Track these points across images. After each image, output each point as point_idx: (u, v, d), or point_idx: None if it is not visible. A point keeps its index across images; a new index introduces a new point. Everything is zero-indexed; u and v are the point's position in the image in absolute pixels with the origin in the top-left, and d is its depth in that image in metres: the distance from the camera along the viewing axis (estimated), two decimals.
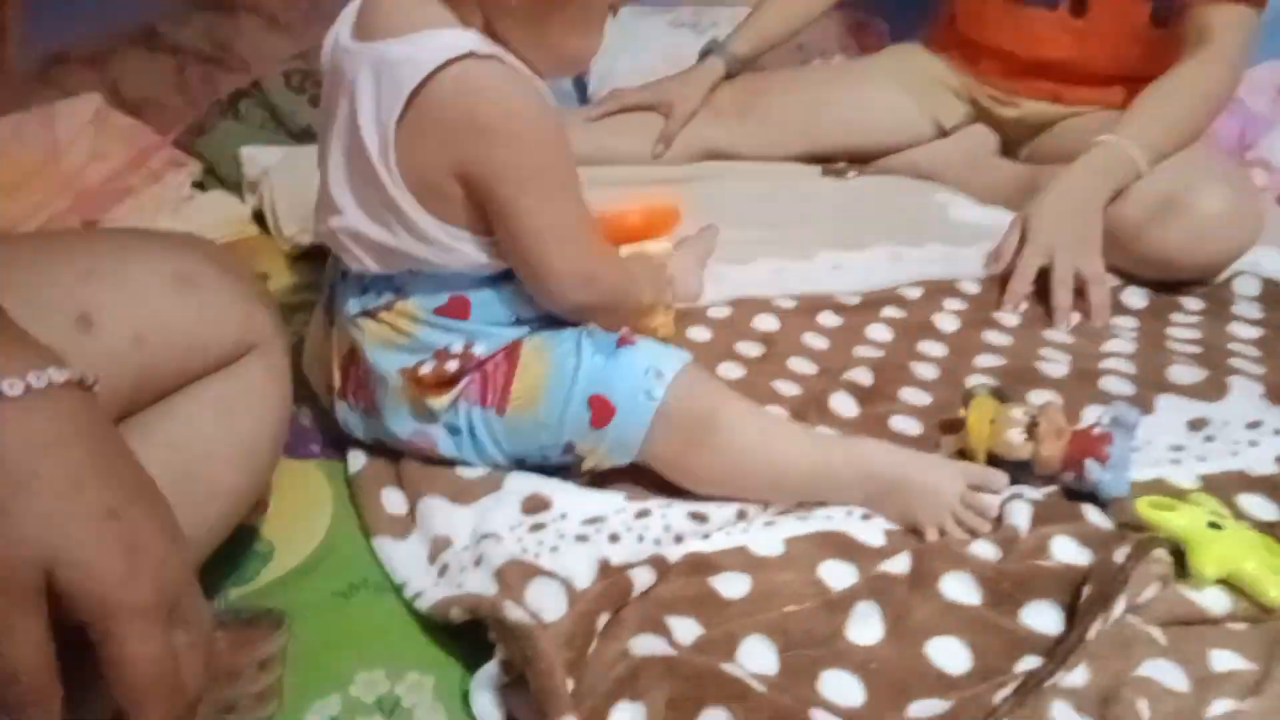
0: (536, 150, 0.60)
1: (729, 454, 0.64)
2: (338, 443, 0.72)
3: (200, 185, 1.14)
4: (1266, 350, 0.90)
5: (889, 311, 0.92)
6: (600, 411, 0.63)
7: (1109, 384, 0.80)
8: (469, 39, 0.57)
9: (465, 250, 0.61)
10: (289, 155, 1.09)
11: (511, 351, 0.65)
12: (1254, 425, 0.75)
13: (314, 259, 0.94)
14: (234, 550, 0.60)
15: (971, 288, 0.98)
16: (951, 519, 0.63)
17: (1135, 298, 0.99)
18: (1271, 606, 0.57)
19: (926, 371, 0.83)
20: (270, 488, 0.63)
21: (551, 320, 0.66)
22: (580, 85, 1.48)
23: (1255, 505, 0.66)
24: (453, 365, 0.63)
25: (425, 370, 0.63)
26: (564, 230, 0.62)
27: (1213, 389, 0.80)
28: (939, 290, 0.97)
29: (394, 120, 0.57)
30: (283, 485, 0.66)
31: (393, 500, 0.67)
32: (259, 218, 1.07)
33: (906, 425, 0.75)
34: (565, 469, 0.67)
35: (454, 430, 0.66)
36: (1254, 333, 0.94)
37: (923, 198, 1.22)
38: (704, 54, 1.29)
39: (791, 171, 1.28)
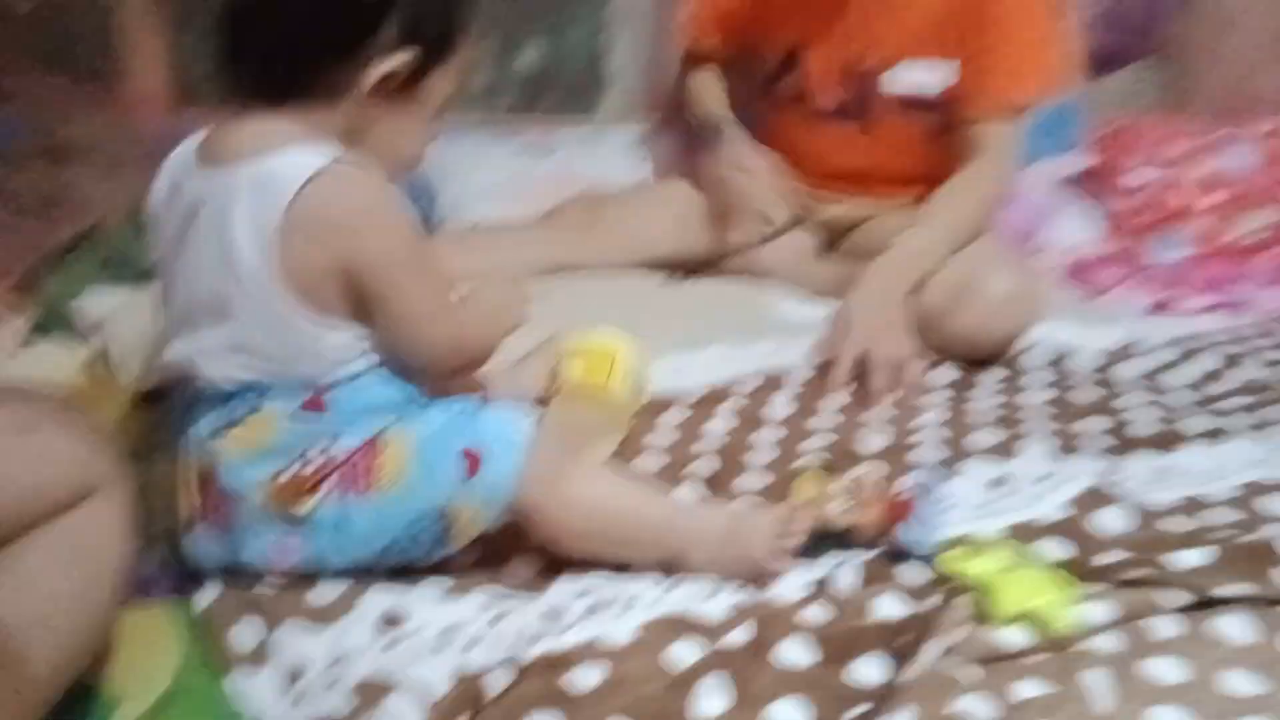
0: (402, 239, 0.68)
1: (584, 504, 0.70)
2: (186, 582, 0.71)
3: (40, 329, 1.12)
4: (1056, 412, 1.02)
5: (727, 405, 0.99)
6: (471, 462, 0.67)
7: (922, 453, 0.89)
8: (329, 150, 0.65)
9: (338, 342, 0.66)
10: (128, 299, 1.09)
11: (374, 439, 0.68)
12: (1045, 478, 0.84)
13: (155, 401, 0.94)
14: (77, 701, 0.58)
15: (800, 376, 1.07)
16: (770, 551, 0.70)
17: (944, 375, 1.11)
18: (1062, 636, 0.64)
19: (763, 457, 0.90)
20: (114, 633, 0.62)
21: (410, 404, 0.70)
22: (427, 201, 1.53)
23: (1049, 547, 0.74)
24: (311, 469, 0.66)
25: (285, 478, 0.65)
26: (433, 306, 0.70)
27: (1010, 449, 0.90)
28: (771, 381, 1.05)
29: (274, 228, 0.63)
30: (129, 630, 0.65)
31: (244, 635, 0.67)
32: (98, 362, 1.05)
33: None
34: (426, 573, 0.69)
35: (318, 531, 0.67)
36: (1046, 396, 1.06)
37: (755, 298, 1.32)
38: (715, 133, 1.37)
39: (633, 282, 1.37)
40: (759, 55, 1.35)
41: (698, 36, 1.44)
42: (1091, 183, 1.67)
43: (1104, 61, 1.80)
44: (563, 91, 1.70)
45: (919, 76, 1.25)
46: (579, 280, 1.33)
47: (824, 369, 1.08)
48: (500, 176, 1.50)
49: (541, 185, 1.49)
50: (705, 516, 0.75)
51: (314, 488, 0.66)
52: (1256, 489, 0.87)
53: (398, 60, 0.66)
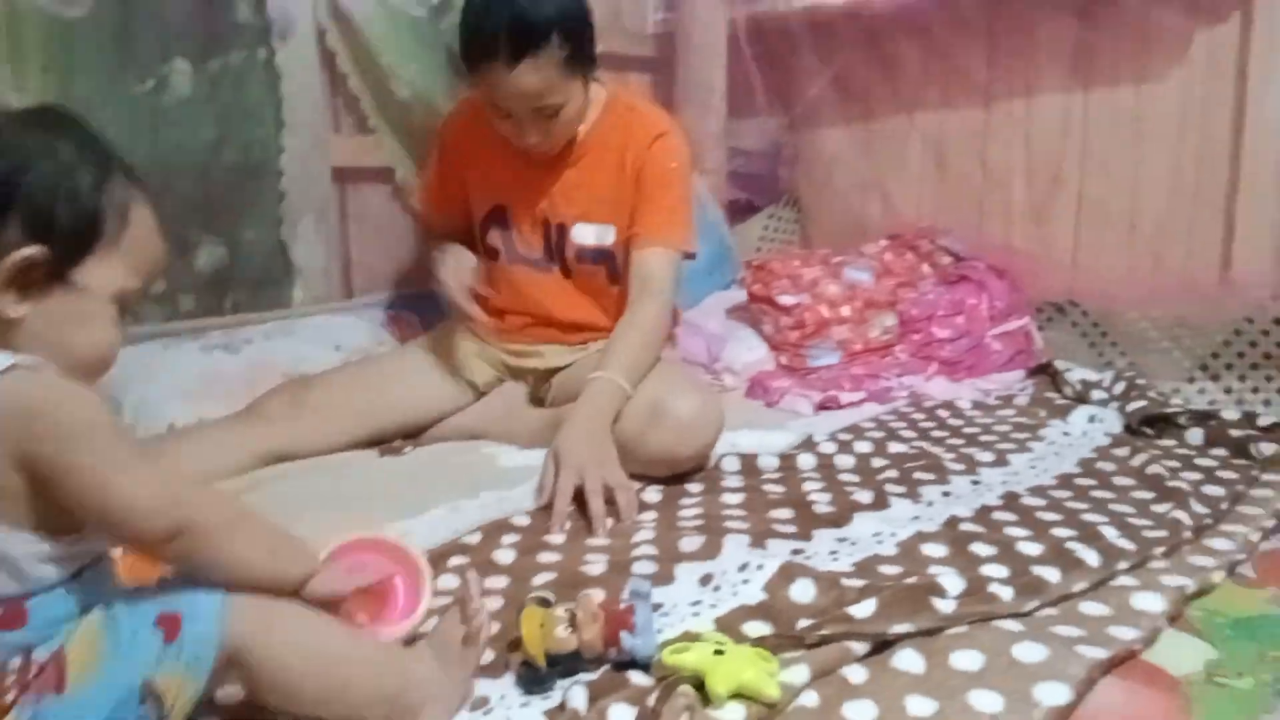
0: (75, 413, 0.64)
1: (298, 642, 0.68)
2: None
3: None
4: (749, 509, 1.14)
5: (454, 560, 1.01)
6: (170, 626, 0.64)
7: (638, 567, 0.96)
8: (4, 356, 0.62)
9: (29, 553, 0.62)
10: None
11: (64, 639, 0.63)
12: (744, 567, 0.94)
13: None
14: None
15: (523, 520, 1.11)
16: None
17: (652, 494, 1.20)
18: (771, 702, 0.71)
19: (492, 604, 0.92)
20: None
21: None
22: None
23: (753, 628, 0.83)
24: (11, 693, 0.60)
25: None
26: (128, 466, 0.65)
27: (713, 549, 0.99)
28: (496, 529, 1.08)
29: None
30: None
31: None
32: None
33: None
34: None
35: None
36: (739, 498, 1.18)
37: (473, 454, 1.37)
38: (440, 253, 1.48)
39: (351, 458, 1.36)
40: (473, 215, 1.52)
41: (427, 215, 1.60)
42: (751, 310, 1.92)
43: (740, 210, 2.11)
44: (250, 286, 1.68)
45: (596, 233, 1.46)
46: (294, 466, 1.31)
47: (545, 509, 1.13)
48: (189, 376, 1.44)
49: (236, 380, 1.45)
50: (415, 651, 0.77)
51: (9, 705, 0.60)
52: (918, 538, 1.04)
53: (24, 256, 0.64)
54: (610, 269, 1.47)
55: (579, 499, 1.13)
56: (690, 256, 1.49)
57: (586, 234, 1.46)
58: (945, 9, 1.94)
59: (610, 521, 1.11)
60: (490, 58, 1.29)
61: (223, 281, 1.64)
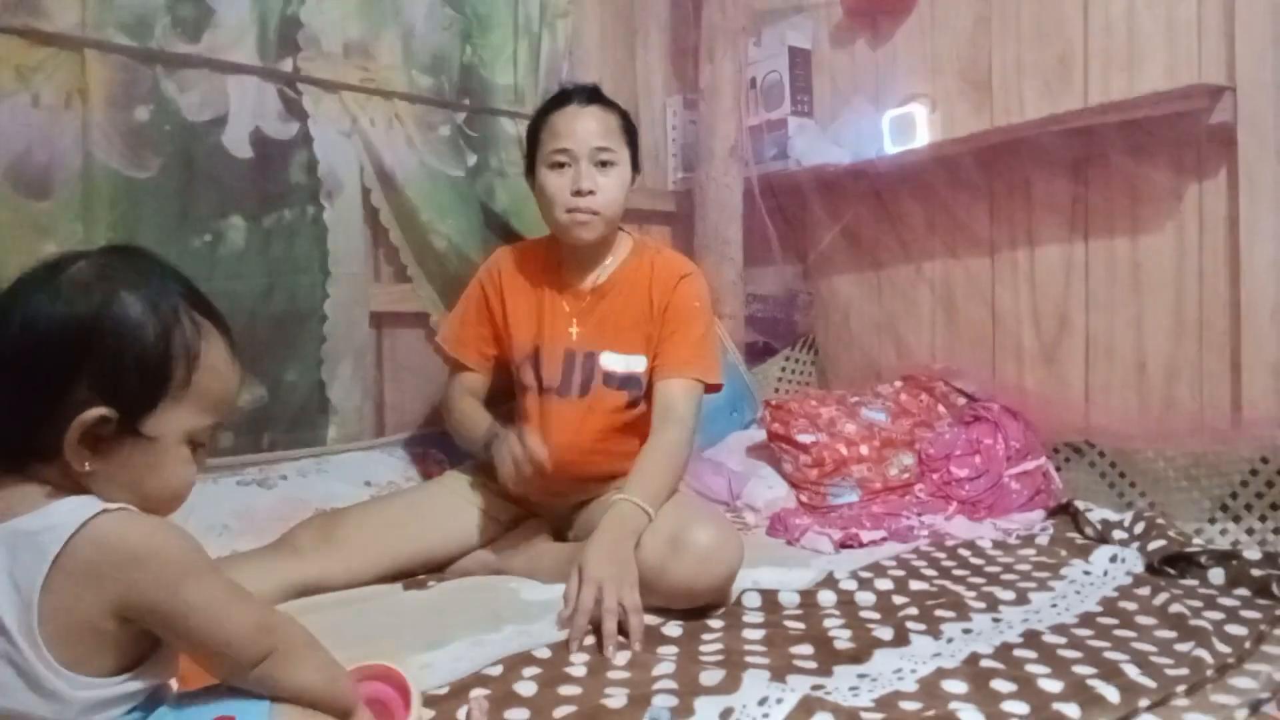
0: (177, 556, 0.67)
1: None
2: None
3: None
4: (769, 644, 1.15)
5: (475, 692, 1.02)
6: None
7: (659, 699, 0.96)
8: (92, 500, 0.66)
9: (89, 699, 0.64)
10: None
11: None
12: (764, 701, 0.95)
13: None
14: None
15: (544, 653, 1.12)
16: None
17: (673, 628, 1.21)
18: None
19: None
20: None
21: None
22: None
23: None
24: None
25: None
26: (232, 599, 0.69)
27: (733, 683, 1.00)
28: (517, 662, 1.09)
29: (37, 587, 0.62)
30: None
31: None
32: None
33: None
34: None
35: None
36: (760, 634, 1.19)
37: (496, 589, 1.38)
38: (493, 438, 1.46)
39: (377, 592, 1.39)
40: (512, 354, 1.61)
41: (455, 353, 1.66)
42: (771, 448, 1.96)
43: (758, 353, 2.19)
44: (287, 425, 1.76)
45: (624, 362, 1.55)
46: (321, 600, 1.33)
47: (567, 646, 1.14)
48: (224, 511, 1.49)
49: (269, 515, 1.49)
50: None
51: None
52: (939, 674, 1.04)
53: (90, 419, 0.65)
54: (632, 396, 1.54)
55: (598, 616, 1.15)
56: (715, 389, 1.55)
57: (615, 362, 1.55)
58: (945, 168, 2.07)
59: (618, 643, 1.12)
60: (566, 101, 1.54)
61: (262, 420, 1.72)
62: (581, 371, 1.55)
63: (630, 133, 1.57)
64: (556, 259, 1.61)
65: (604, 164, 1.51)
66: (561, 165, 1.51)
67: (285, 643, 0.72)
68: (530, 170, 1.58)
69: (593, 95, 1.55)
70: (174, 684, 0.75)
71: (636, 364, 1.54)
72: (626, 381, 1.54)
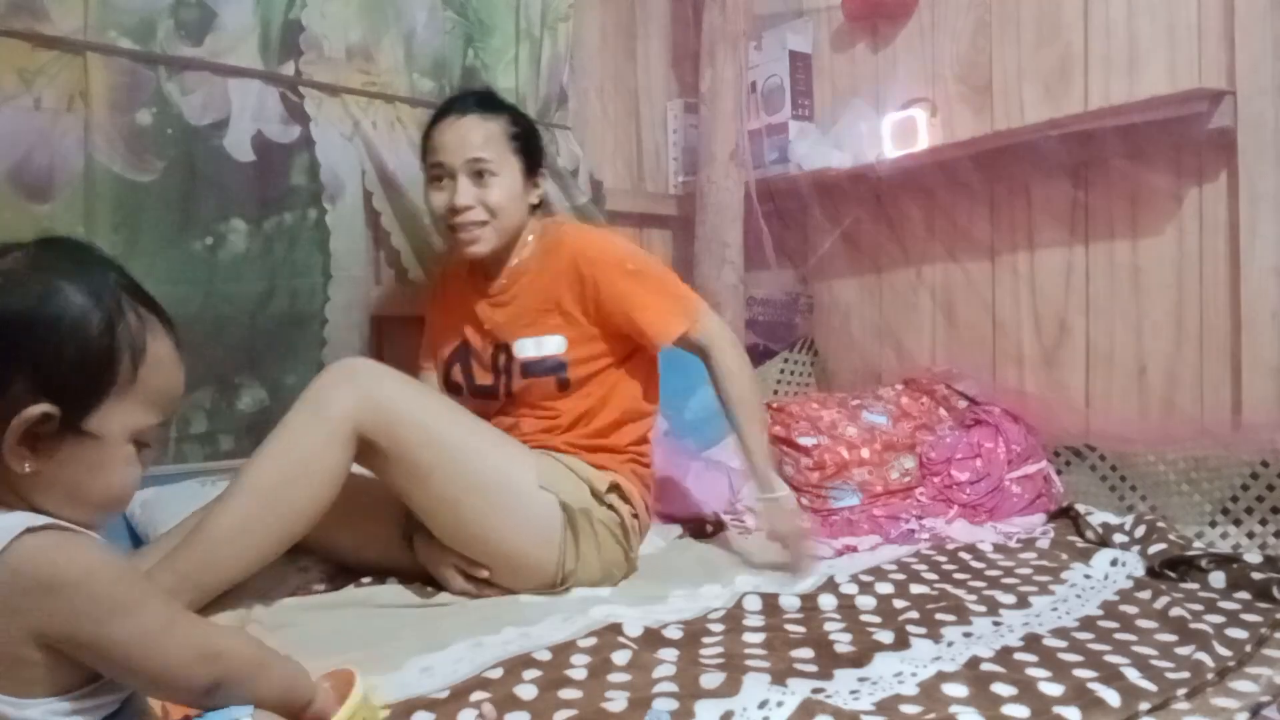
0: (103, 589, 0.63)
1: None
2: None
3: None
4: (770, 648, 1.15)
5: (476, 695, 1.02)
6: None
7: (659, 702, 0.96)
8: (19, 518, 0.62)
9: (53, 710, 0.63)
10: None
11: None
12: (764, 704, 0.95)
13: None
14: None
15: (544, 656, 1.12)
16: None
17: (673, 631, 1.21)
18: None
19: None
20: None
21: None
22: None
23: None
24: None
25: None
26: (167, 629, 0.66)
27: (733, 686, 1.00)
28: (518, 665, 1.09)
29: None
30: None
31: None
32: None
33: None
34: None
35: None
36: (760, 637, 1.19)
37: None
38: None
39: (378, 594, 1.39)
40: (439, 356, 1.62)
41: (421, 365, 1.68)
42: (772, 451, 1.95)
43: (757, 355, 2.19)
44: None
45: (535, 344, 1.50)
46: (324, 600, 1.34)
47: (567, 648, 1.14)
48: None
49: None
50: None
51: None
52: (939, 678, 1.04)
53: (33, 415, 0.62)
54: (559, 381, 1.49)
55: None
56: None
57: (527, 347, 1.49)
58: (945, 172, 2.08)
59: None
60: (444, 114, 1.49)
61: (262, 423, 1.71)
62: (503, 367, 1.52)
63: (523, 136, 1.50)
64: (473, 265, 1.58)
65: (481, 174, 1.45)
66: (438, 179, 1.48)
67: (234, 668, 0.70)
68: None
69: (479, 101, 1.49)
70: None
71: (551, 344, 1.48)
72: (544, 366, 1.48)
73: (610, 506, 1.44)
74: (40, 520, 0.63)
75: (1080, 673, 1.04)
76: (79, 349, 0.63)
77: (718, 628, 1.23)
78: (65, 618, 0.61)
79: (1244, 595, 1.32)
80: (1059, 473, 1.91)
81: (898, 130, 2.15)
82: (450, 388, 1.60)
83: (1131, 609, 1.29)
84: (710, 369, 1.52)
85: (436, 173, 1.48)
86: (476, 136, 1.45)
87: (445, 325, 1.62)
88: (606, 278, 1.47)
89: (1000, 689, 1.00)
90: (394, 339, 1.95)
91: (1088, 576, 1.46)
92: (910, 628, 1.22)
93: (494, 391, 1.54)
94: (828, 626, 1.24)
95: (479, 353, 1.56)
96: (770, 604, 1.32)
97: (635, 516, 1.49)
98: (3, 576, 0.60)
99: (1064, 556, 1.56)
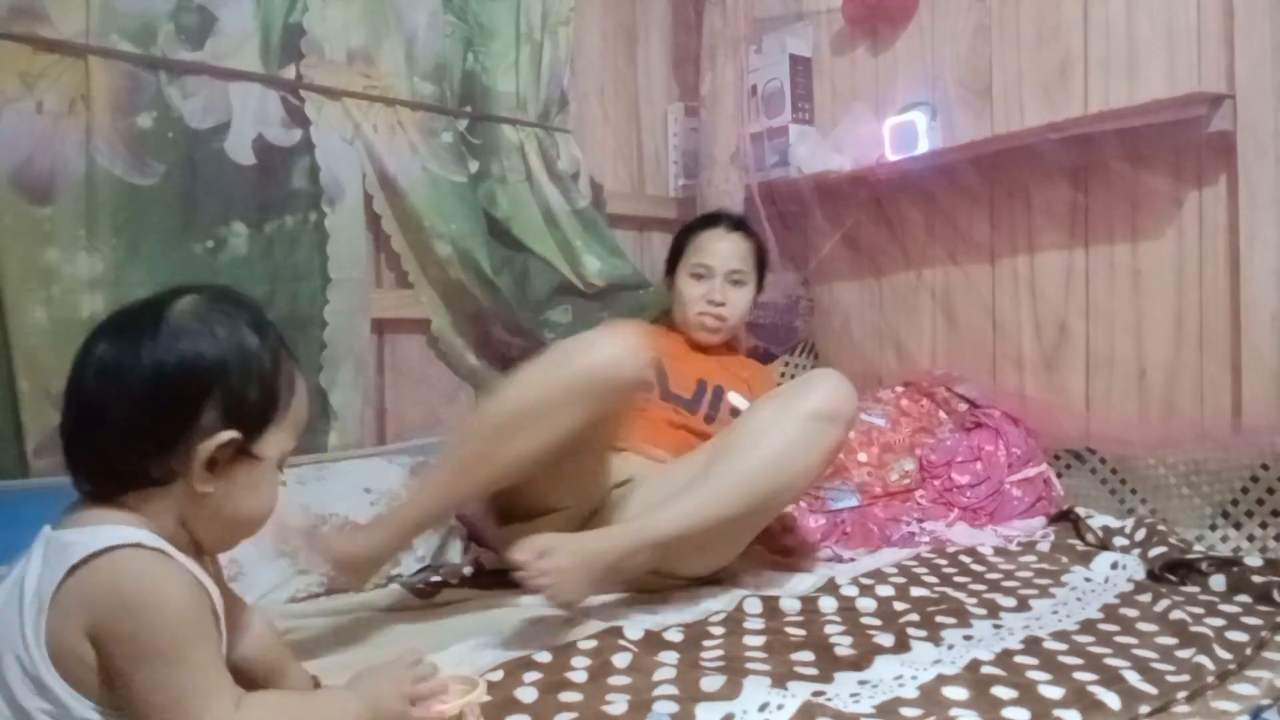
0: (160, 632, 0.66)
1: None
2: None
3: None
4: (770, 650, 1.15)
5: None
6: None
7: (660, 705, 0.96)
8: (140, 533, 0.68)
9: (83, 716, 0.65)
10: None
11: None
12: (764, 708, 0.95)
13: None
14: None
15: (545, 658, 1.12)
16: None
17: (674, 634, 1.21)
18: None
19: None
20: None
21: None
22: None
23: None
24: None
25: None
26: (190, 693, 0.67)
27: (734, 689, 1.00)
28: (518, 666, 1.09)
29: (50, 592, 0.65)
30: None
31: None
32: None
33: None
34: None
35: None
36: (760, 640, 1.19)
37: (496, 601, 1.39)
38: None
39: (378, 597, 1.39)
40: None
41: None
42: None
43: (758, 357, 2.19)
44: None
45: (743, 400, 1.78)
46: (323, 604, 1.34)
47: (567, 650, 1.14)
48: None
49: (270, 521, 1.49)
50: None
51: None
52: (939, 681, 1.04)
53: (221, 440, 0.71)
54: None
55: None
56: None
57: (739, 400, 1.77)
58: (945, 176, 2.08)
59: None
60: (714, 224, 1.92)
61: None
62: (709, 398, 1.78)
63: (761, 257, 1.93)
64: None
65: (736, 283, 1.86)
66: (700, 277, 1.85)
67: None
68: (670, 272, 1.94)
69: (737, 225, 1.93)
70: None
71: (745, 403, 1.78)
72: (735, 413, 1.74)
73: None
74: (154, 541, 0.68)
75: (1080, 675, 1.04)
76: (258, 384, 0.74)
77: (718, 630, 1.23)
78: (116, 633, 0.65)
79: (1244, 598, 1.32)
80: (1059, 476, 1.91)
81: (898, 133, 2.15)
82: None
83: (1132, 612, 1.29)
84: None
85: (700, 271, 1.86)
86: (738, 251, 1.89)
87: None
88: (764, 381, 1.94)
89: (1000, 692, 1.00)
90: (396, 342, 1.95)
91: (1088, 579, 1.46)
92: (910, 630, 1.22)
93: (692, 406, 1.76)
94: (828, 629, 1.24)
95: (681, 373, 1.78)
96: (770, 607, 1.32)
97: None
98: (87, 573, 0.66)
99: (1064, 559, 1.56)
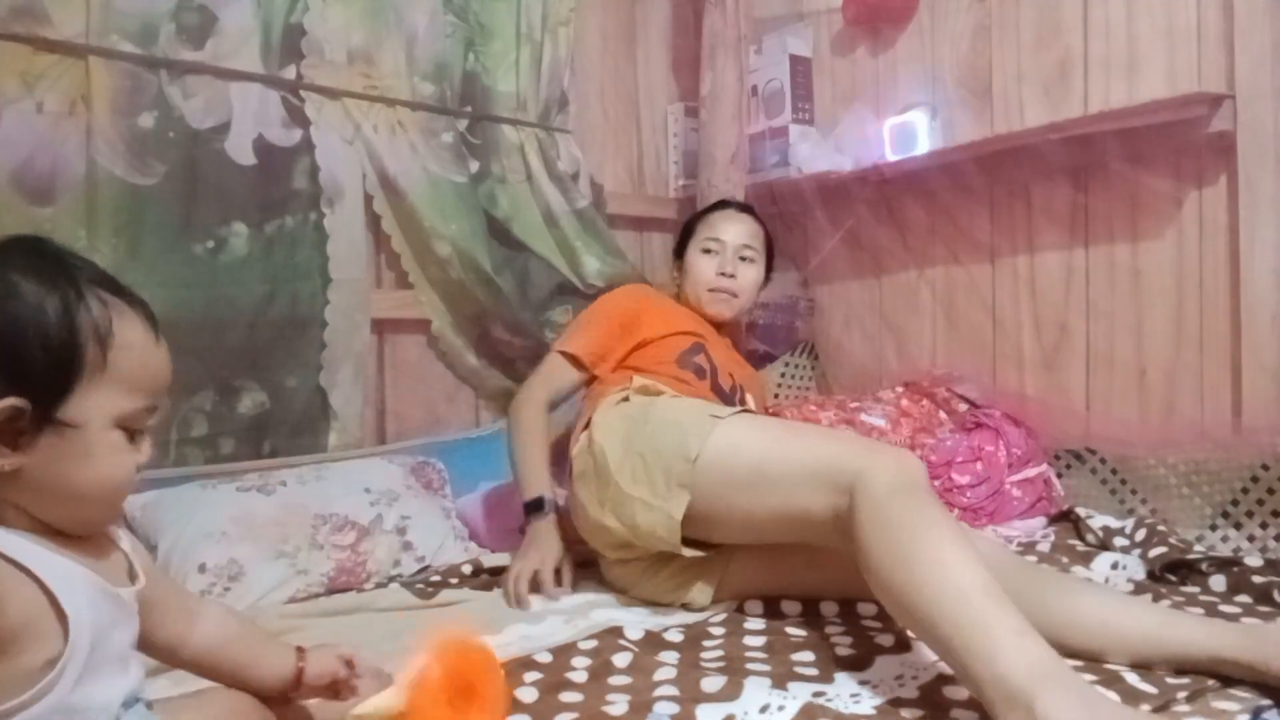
0: None
1: None
2: None
3: None
4: (770, 651, 1.15)
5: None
6: None
7: (660, 706, 0.96)
8: None
9: None
10: None
11: None
12: (765, 709, 0.95)
13: None
14: None
15: (545, 658, 1.12)
16: None
17: (674, 634, 1.21)
18: None
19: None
20: None
21: None
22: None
23: None
24: None
25: None
26: None
27: (734, 690, 1.00)
28: (518, 666, 1.09)
29: None
30: None
31: None
32: None
33: None
34: None
35: None
36: (760, 640, 1.19)
37: (496, 597, 1.39)
38: (532, 511, 1.51)
39: (379, 597, 1.39)
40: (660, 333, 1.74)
41: (589, 361, 1.71)
42: None
43: (758, 358, 2.19)
44: (288, 431, 1.76)
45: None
46: (330, 603, 1.36)
47: (567, 650, 1.14)
48: (223, 517, 1.48)
49: (266, 521, 1.48)
50: None
51: None
52: (940, 681, 1.04)
53: (5, 406, 0.61)
54: None
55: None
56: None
57: (750, 403, 1.75)
58: (947, 175, 2.08)
59: None
60: (727, 205, 1.97)
61: (262, 426, 1.72)
62: (738, 399, 1.73)
63: (769, 243, 1.94)
64: None
65: (744, 259, 1.86)
66: (712, 251, 1.85)
67: None
68: (679, 254, 1.93)
69: (747, 209, 1.97)
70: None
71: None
72: None
73: None
74: None
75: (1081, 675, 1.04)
76: (39, 338, 0.63)
77: (718, 631, 1.23)
78: None
79: (1244, 599, 1.32)
80: (1059, 476, 1.91)
81: (898, 133, 2.15)
82: (694, 369, 1.70)
83: None
84: None
85: (711, 246, 1.86)
86: (748, 230, 1.89)
87: (663, 319, 1.76)
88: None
89: None
90: (396, 342, 1.95)
91: (1088, 580, 1.46)
92: (911, 631, 1.22)
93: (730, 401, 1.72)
94: (828, 630, 1.24)
95: (721, 369, 1.74)
96: (771, 607, 1.32)
97: None
98: None
99: (1065, 560, 1.55)
